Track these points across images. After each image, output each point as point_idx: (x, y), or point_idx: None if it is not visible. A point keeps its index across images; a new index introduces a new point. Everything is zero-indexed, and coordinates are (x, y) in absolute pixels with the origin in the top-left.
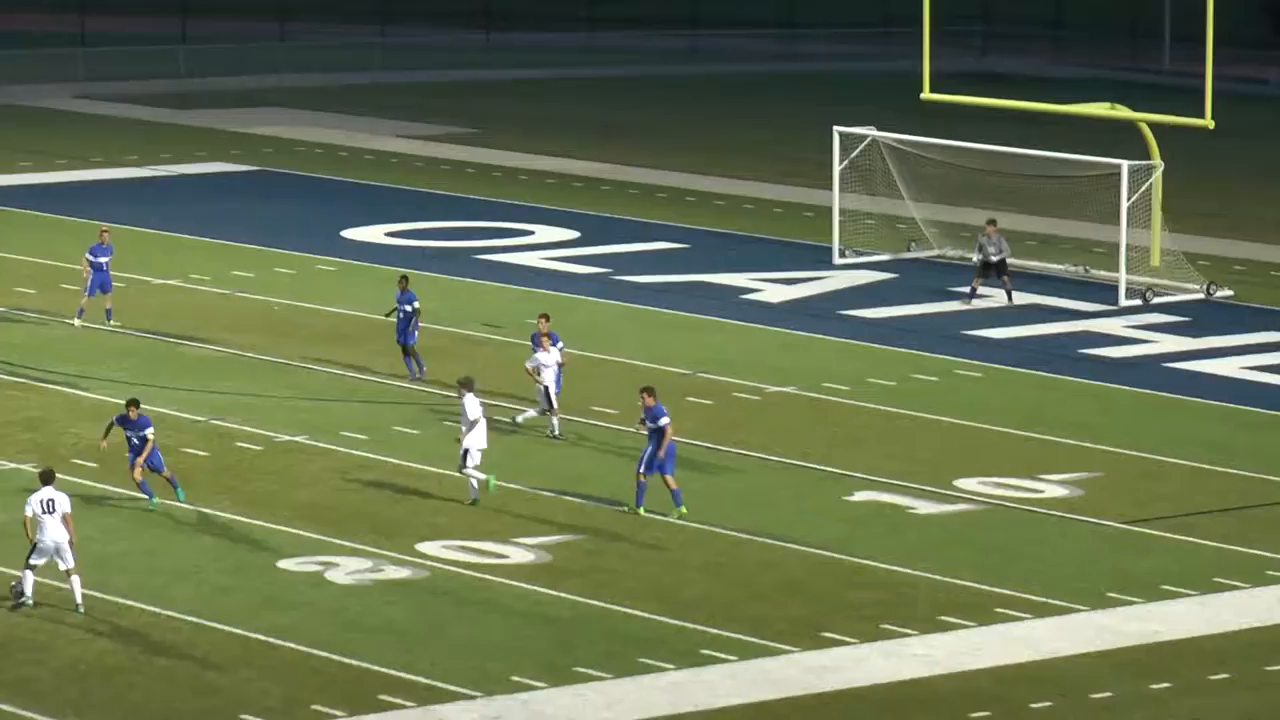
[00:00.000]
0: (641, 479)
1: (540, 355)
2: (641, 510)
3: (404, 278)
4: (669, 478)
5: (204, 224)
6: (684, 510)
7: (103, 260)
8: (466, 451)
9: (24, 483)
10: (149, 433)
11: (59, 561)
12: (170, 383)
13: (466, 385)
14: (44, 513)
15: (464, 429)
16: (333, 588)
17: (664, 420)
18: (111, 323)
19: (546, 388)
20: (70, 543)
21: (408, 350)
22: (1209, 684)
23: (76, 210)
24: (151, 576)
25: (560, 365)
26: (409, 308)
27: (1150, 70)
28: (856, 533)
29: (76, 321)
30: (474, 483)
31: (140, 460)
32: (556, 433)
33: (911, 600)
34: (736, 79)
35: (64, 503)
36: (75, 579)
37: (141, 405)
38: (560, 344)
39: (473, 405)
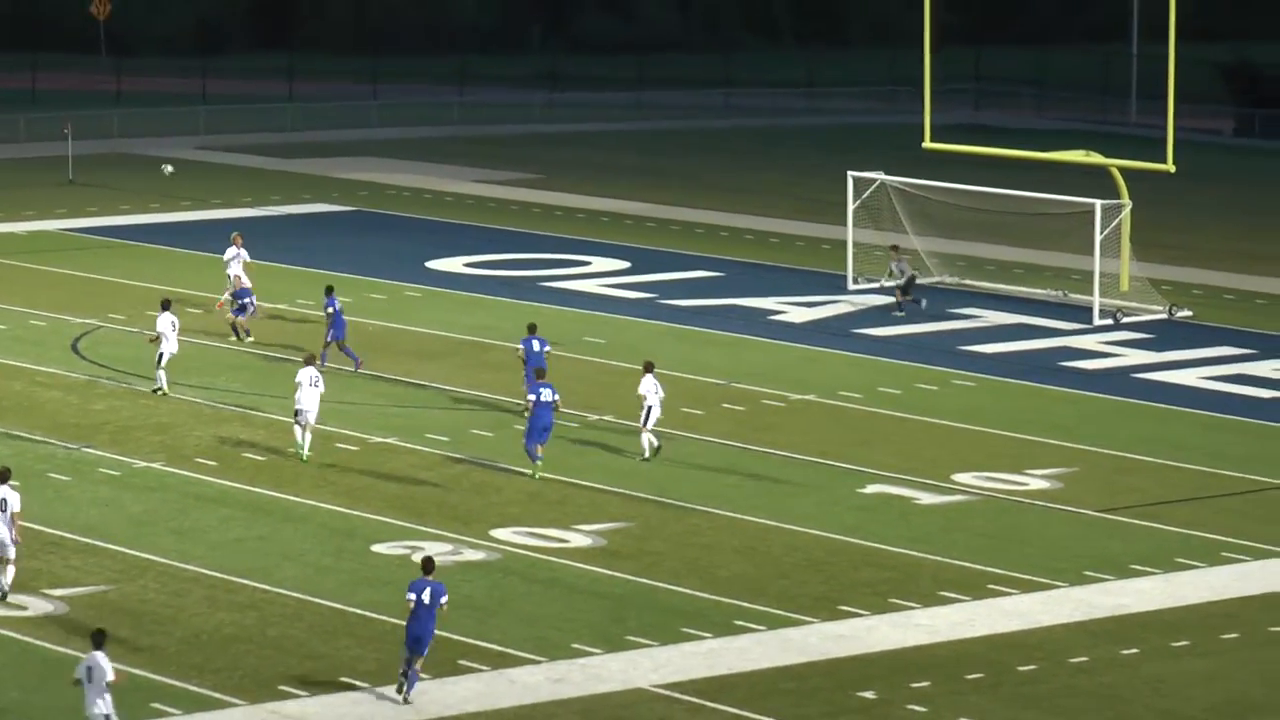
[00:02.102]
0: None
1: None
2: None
3: (330, 287)
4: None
5: (308, 256)
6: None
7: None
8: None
9: (153, 479)
10: None
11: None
12: (280, 393)
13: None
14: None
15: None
16: (418, 568)
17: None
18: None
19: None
20: (14, 540)
21: (342, 345)
22: (1171, 650)
23: (200, 245)
24: (263, 559)
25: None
26: (333, 309)
27: (1120, 123)
28: (868, 520)
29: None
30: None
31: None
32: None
33: (916, 577)
34: (764, 131)
35: (14, 502)
36: (10, 569)
37: (257, 412)
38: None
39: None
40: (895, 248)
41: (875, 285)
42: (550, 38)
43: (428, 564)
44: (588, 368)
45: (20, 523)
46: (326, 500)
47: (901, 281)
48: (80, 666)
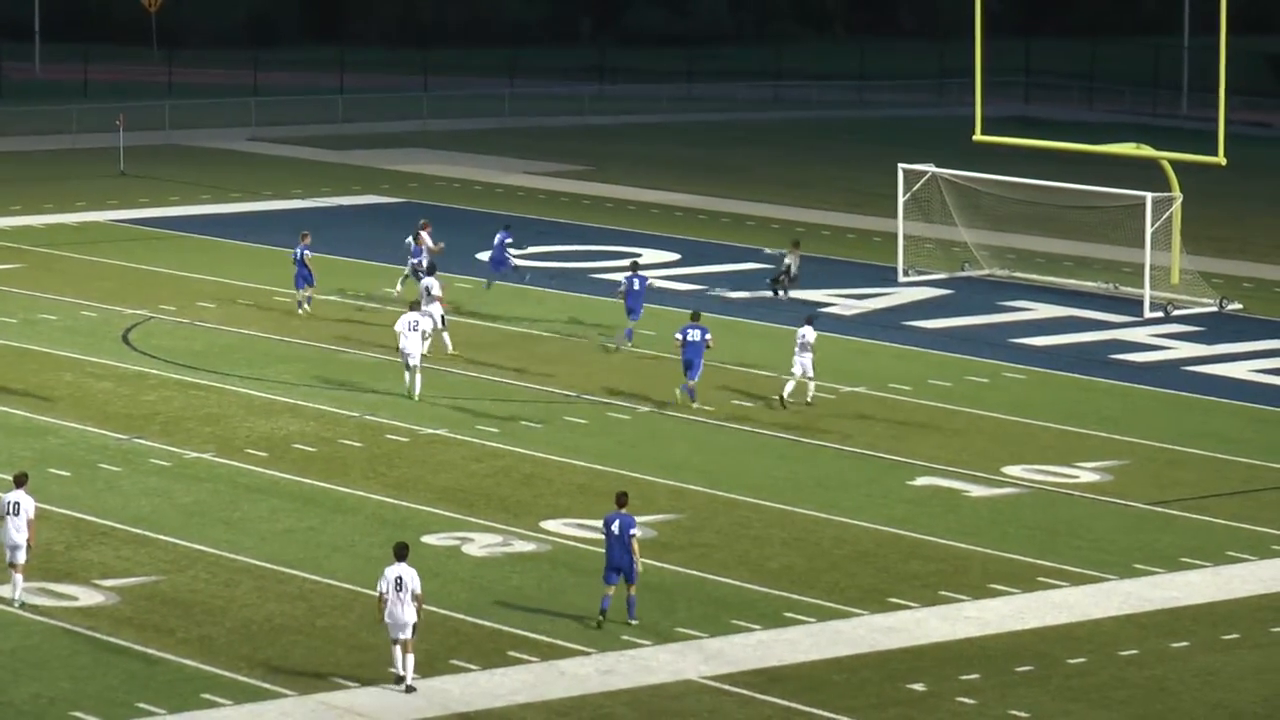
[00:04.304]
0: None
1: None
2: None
3: (305, 233)
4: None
5: (359, 247)
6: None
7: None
8: None
9: (204, 470)
10: None
11: (12, 555)
12: (329, 384)
13: None
14: (10, 514)
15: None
16: (468, 559)
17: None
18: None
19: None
20: (29, 543)
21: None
22: (1221, 643)
23: (250, 236)
24: (313, 550)
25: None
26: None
27: (1170, 115)
28: (917, 512)
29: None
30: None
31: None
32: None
33: (966, 570)
34: (814, 124)
35: (29, 507)
36: (18, 577)
37: (307, 404)
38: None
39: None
40: (797, 244)
41: (926, 278)
42: (600, 30)
43: (400, 550)
44: (637, 360)
45: (33, 529)
46: (376, 491)
47: (782, 273)
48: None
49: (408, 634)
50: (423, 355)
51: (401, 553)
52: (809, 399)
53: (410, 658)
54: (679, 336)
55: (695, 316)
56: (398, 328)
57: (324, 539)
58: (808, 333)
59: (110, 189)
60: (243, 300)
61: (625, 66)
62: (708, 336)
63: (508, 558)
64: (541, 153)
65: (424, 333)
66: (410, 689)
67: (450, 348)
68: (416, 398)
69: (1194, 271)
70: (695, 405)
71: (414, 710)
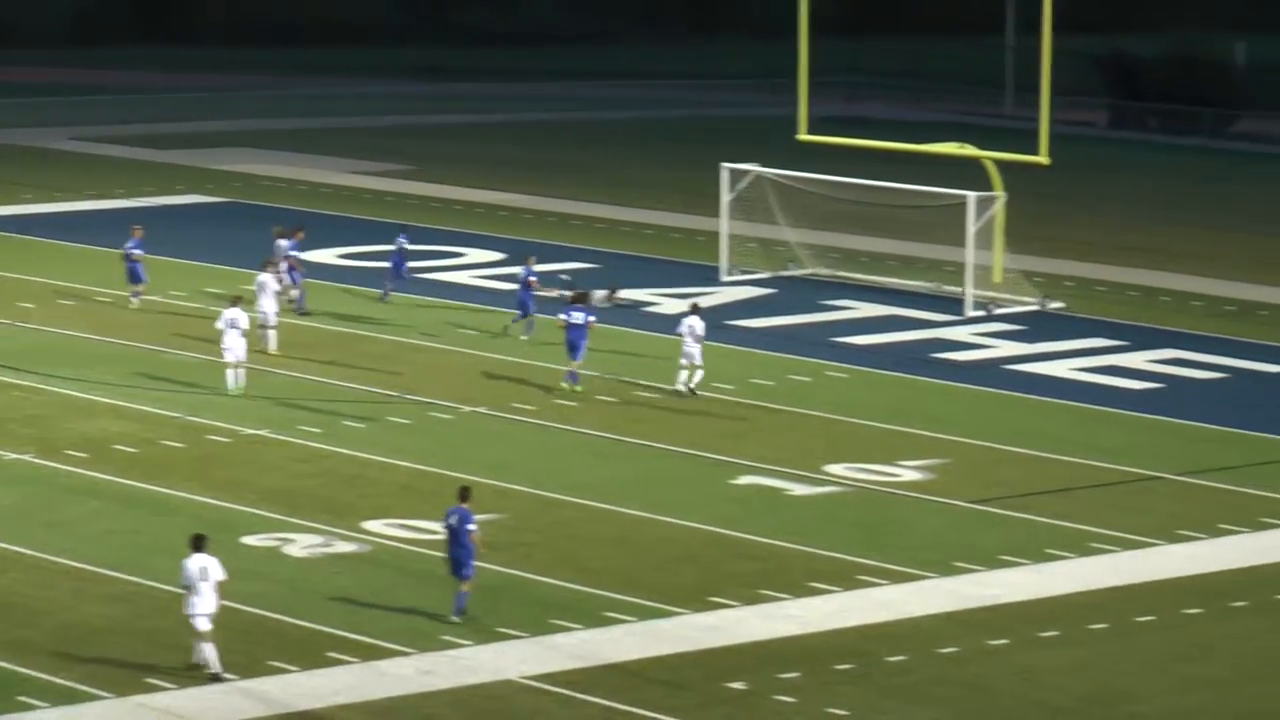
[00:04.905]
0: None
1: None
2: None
3: (136, 226)
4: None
5: (182, 248)
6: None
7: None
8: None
9: (23, 471)
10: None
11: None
12: (150, 384)
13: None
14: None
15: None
16: (288, 560)
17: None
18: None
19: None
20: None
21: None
22: (1041, 640)
23: (73, 236)
24: (134, 551)
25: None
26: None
27: (994, 115)
28: (739, 511)
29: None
30: None
31: None
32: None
33: (787, 568)
34: (641, 123)
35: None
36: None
37: (130, 404)
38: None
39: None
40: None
41: (749, 277)
42: (430, 29)
43: (199, 542)
44: (461, 359)
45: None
46: (198, 492)
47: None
48: None
49: (207, 625)
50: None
51: (200, 544)
52: (694, 386)
53: (211, 646)
54: (563, 317)
55: (695, 308)
56: (219, 325)
57: (145, 540)
58: (696, 323)
59: None
60: (64, 300)
61: (454, 66)
62: (591, 319)
63: (329, 558)
64: (368, 152)
65: (243, 330)
66: (219, 678)
67: (273, 348)
68: (236, 392)
69: (1016, 270)
70: (579, 389)
71: (234, 711)
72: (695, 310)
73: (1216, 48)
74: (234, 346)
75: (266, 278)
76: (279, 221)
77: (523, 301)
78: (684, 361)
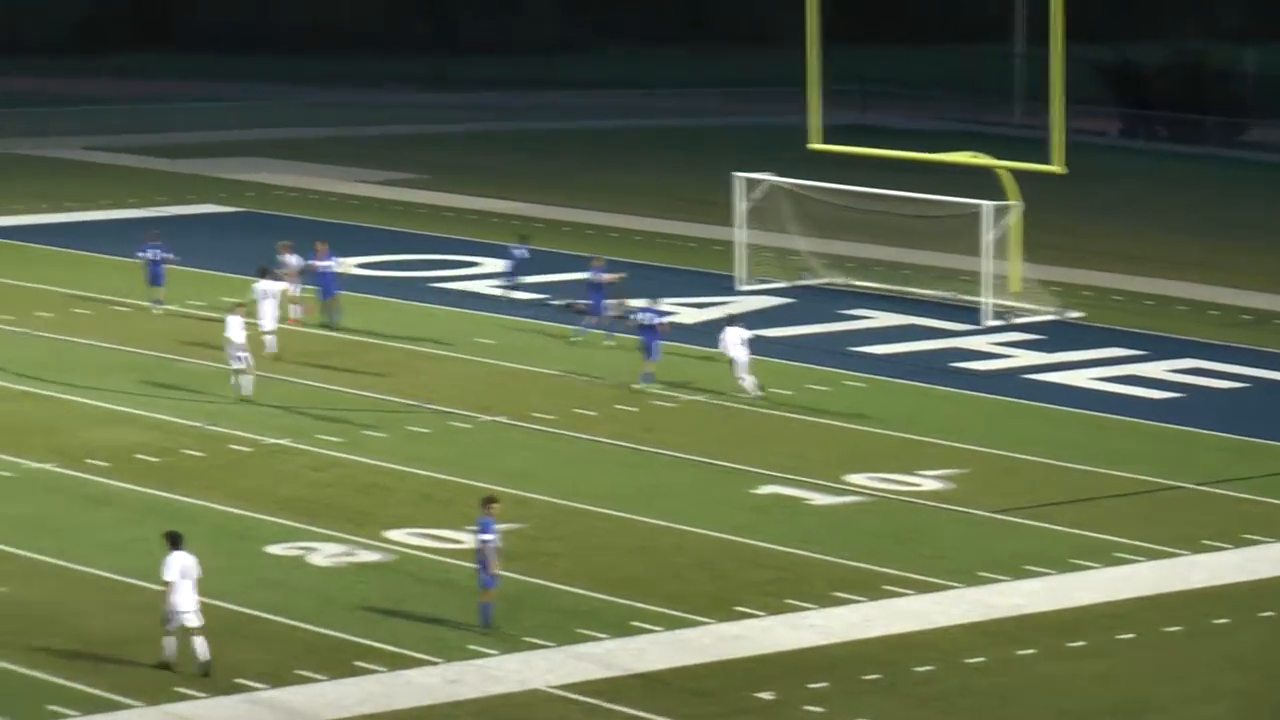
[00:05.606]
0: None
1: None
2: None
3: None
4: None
5: (195, 258)
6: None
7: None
8: None
9: (45, 480)
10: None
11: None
12: (169, 393)
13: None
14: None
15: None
16: (312, 569)
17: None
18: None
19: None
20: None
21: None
22: (1066, 650)
23: (87, 245)
24: (157, 561)
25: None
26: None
27: (1005, 124)
28: (760, 520)
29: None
30: None
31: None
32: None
33: (810, 578)
34: (652, 132)
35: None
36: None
37: (147, 413)
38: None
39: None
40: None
41: (765, 287)
42: (435, 38)
43: (177, 538)
44: (479, 368)
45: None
46: (218, 501)
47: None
48: None
49: (199, 620)
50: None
51: (177, 541)
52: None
53: (203, 639)
54: (634, 318)
55: (732, 319)
56: (229, 333)
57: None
58: (742, 332)
59: None
60: (80, 309)
61: (460, 75)
62: (662, 320)
63: (353, 567)
64: (379, 161)
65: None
66: (209, 671)
67: (272, 349)
68: (245, 397)
69: (1033, 280)
70: (651, 389)
71: None
72: (733, 321)
73: (1223, 56)
74: (241, 352)
75: (265, 285)
76: (292, 231)
77: (595, 303)
78: (739, 372)
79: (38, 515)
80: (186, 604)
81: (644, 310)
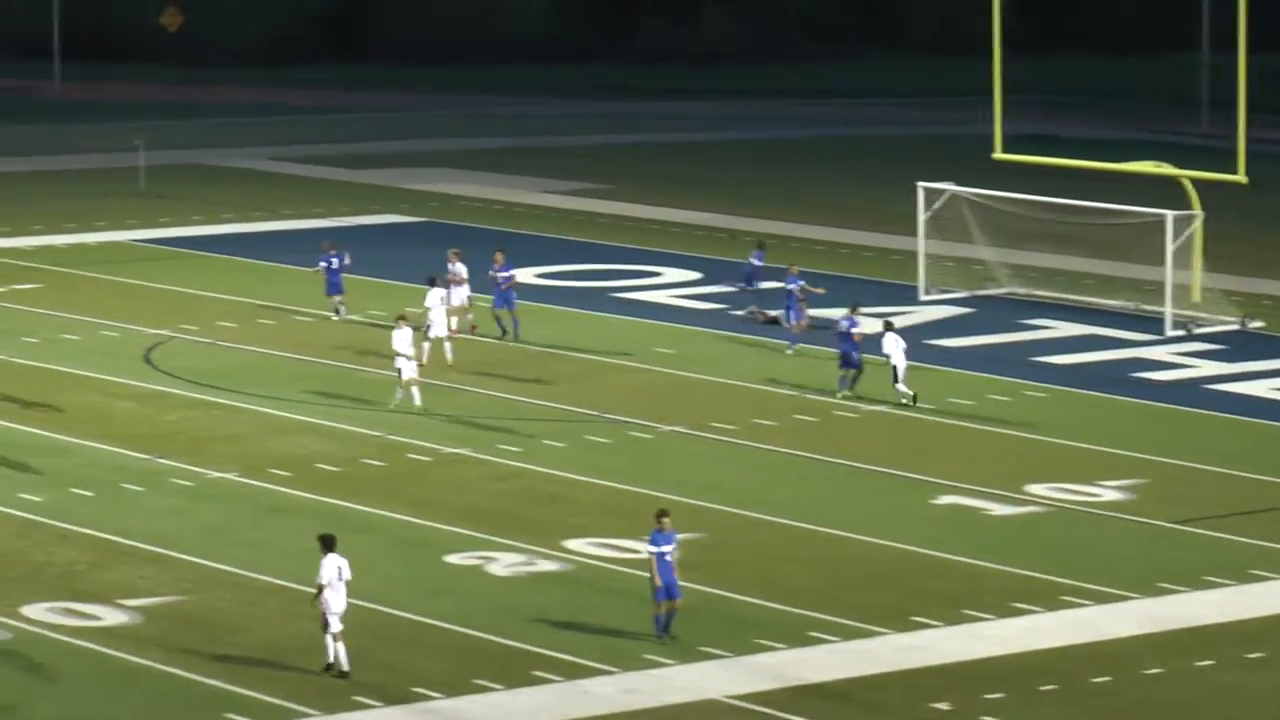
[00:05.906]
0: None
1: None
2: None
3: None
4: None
5: (379, 267)
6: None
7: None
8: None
9: (226, 490)
10: None
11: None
12: (349, 404)
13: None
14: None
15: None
16: (491, 578)
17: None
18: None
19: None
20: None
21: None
22: (1245, 661)
23: (271, 255)
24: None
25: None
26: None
27: (1190, 133)
28: (939, 531)
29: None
30: None
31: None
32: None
33: (987, 588)
34: (832, 141)
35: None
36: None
37: (326, 423)
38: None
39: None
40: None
41: (947, 296)
42: (613, 48)
43: (331, 541)
44: (659, 378)
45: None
46: (398, 511)
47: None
48: None
49: (339, 625)
50: (421, 366)
51: (331, 544)
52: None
53: (343, 645)
54: (837, 327)
55: (889, 326)
56: (397, 345)
57: (347, 559)
58: (899, 339)
59: (131, 208)
60: (263, 319)
61: (639, 85)
62: (855, 328)
63: (531, 577)
64: (560, 171)
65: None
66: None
67: (447, 357)
68: (418, 408)
69: (1215, 289)
70: (848, 395)
71: None
72: (890, 327)
73: None
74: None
75: (438, 293)
76: (475, 240)
77: (787, 312)
78: (897, 379)
79: (219, 525)
80: (338, 606)
81: (844, 319)
